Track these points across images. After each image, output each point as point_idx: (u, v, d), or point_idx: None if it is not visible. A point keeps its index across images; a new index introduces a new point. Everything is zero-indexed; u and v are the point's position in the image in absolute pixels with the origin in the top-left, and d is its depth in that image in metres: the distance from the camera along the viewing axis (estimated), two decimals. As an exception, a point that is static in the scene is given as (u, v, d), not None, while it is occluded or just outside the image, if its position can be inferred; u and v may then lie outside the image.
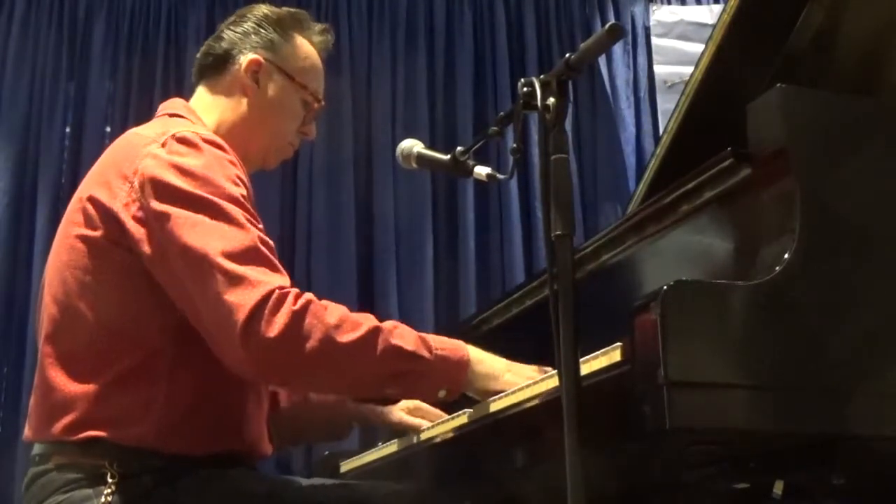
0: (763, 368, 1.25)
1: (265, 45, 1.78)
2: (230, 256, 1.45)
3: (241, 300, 1.42)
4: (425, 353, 1.52)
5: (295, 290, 1.46)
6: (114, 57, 4.05)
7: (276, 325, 1.41)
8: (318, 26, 1.86)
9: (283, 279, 1.48)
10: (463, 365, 1.56)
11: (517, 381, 1.54)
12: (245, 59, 1.77)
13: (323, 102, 1.86)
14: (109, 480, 1.47)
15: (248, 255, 1.46)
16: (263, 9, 1.83)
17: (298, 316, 1.43)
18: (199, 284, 1.45)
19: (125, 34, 4.08)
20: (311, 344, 1.43)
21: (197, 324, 1.49)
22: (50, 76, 3.99)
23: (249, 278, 1.43)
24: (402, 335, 1.52)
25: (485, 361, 1.59)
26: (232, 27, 1.81)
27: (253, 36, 1.79)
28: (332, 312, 1.48)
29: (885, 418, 1.32)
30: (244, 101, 1.77)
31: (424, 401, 1.79)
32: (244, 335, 1.41)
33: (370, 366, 1.50)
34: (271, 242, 1.54)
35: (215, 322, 1.45)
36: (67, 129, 3.99)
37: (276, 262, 1.51)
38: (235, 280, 1.43)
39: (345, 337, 1.46)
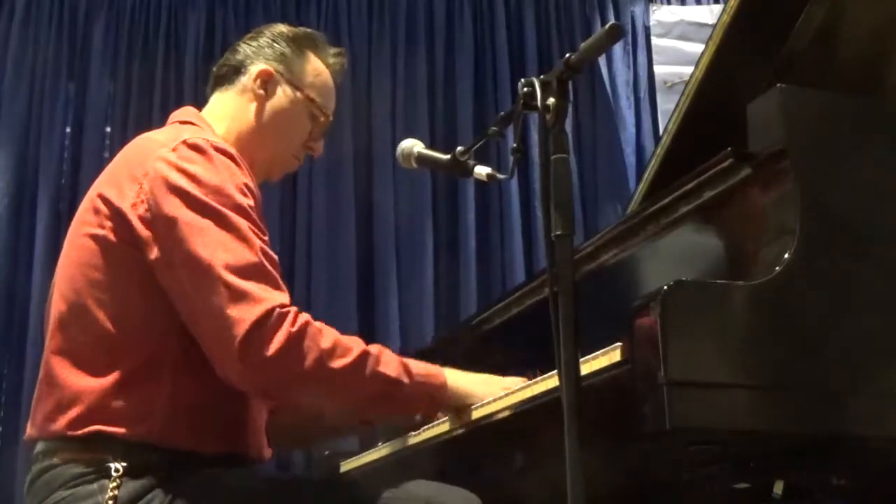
0: (763, 368, 1.25)
1: (277, 58, 1.83)
2: (234, 270, 1.48)
3: (242, 315, 1.45)
4: (405, 379, 1.58)
5: (294, 310, 1.50)
6: (114, 57, 4.05)
7: (273, 344, 1.45)
8: (332, 49, 1.91)
9: (283, 297, 1.50)
10: (441, 389, 1.63)
11: (495, 392, 1.61)
12: (256, 68, 1.81)
13: (331, 118, 1.90)
14: (114, 475, 1.48)
15: (251, 271, 1.49)
16: (281, 27, 1.89)
17: (296, 337, 1.47)
18: (201, 294, 1.48)
19: (125, 34, 4.07)
20: (304, 365, 1.48)
21: (194, 330, 1.52)
22: (50, 76, 3.99)
23: (252, 294, 1.46)
24: (387, 362, 1.57)
25: (460, 382, 1.66)
26: (248, 41, 1.87)
27: (267, 49, 1.83)
28: (326, 337, 1.52)
29: (885, 418, 1.32)
30: (252, 108, 1.80)
31: (400, 423, 1.82)
32: (242, 350, 1.44)
33: (357, 390, 1.55)
34: (275, 256, 1.56)
35: (214, 333, 1.48)
36: (67, 129, 3.99)
37: (278, 278, 1.53)
38: (238, 295, 1.46)
39: (337, 362, 1.51)
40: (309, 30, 1.92)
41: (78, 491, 1.48)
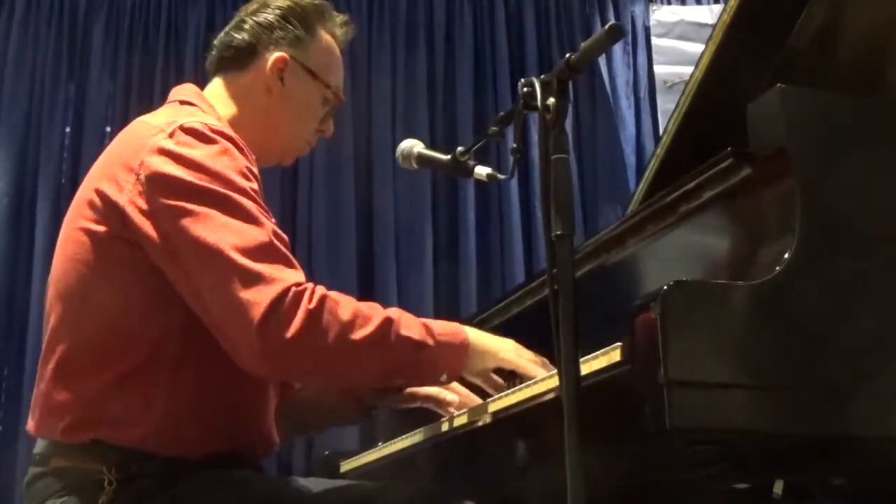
0: (763, 368, 1.25)
1: (290, 42, 1.75)
2: (245, 253, 1.42)
3: (257, 298, 1.39)
4: (430, 341, 1.53)
5: (310, 286, 1.45)
6: (114, 57, 4.05)
7: (293, 325, 1.39)
8: (339, 18, 1.83)
9: (298, 275, 1.45)
10: (464, 349, 1.58)
11: (516, 361, 1.58)
12: (271, 56, 1.73)
13: (343, 99, 1.85)
14: (107, 487, 1.45)
15: (262, 252, 1.44)
16: None
17: (315, 314, 1.41)
18: (212, 281, 1.43)
19: (125, 34, 4.08)
20: (327, 342, 1.42)
21: (207, 321, 1.46)
22: (50, 76, 3.99)
23: (265, 275, 1.41)
24: (409, 325, 1.52)
25: (482, 342, 1.61)
26: (254, 17, 1.77)
27: (278, 30, 1.75)
28: (344, 307, 1.46)
29: (885, 418, 1.31)
30: (268, 98, 1.74)
31: (426, 385, 1.79)
32: (260, 334, 1.39)
33: (383, 359, 1.50)
34: (285, 237, 1.51)
35: (229, 320, 1.42)
36: (67, 129, 3.99)
37: (291, 257, 1.49)
38: (250, 277, 1.40)
39: (359, 333, 1.45)
40: (316, 1, 1.82)
41: (69, 499, 1.47)
